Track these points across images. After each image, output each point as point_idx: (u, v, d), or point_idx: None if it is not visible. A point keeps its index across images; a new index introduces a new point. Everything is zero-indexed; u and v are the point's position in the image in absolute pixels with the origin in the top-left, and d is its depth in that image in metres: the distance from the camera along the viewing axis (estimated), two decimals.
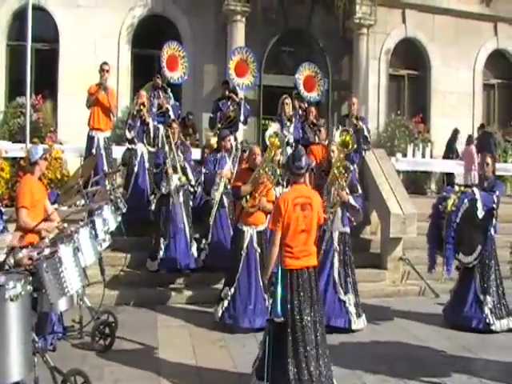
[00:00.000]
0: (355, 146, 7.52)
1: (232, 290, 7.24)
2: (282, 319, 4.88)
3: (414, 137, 16.12)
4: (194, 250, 8.65)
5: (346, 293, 7.37)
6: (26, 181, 6.50)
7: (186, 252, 8.53)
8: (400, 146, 15.65)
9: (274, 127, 8.62)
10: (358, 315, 7.40)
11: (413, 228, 9.62)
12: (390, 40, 16.87)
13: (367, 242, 10.18)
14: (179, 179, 8.55)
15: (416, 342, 7.03)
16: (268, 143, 7.23)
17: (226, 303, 7.24)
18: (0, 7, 13.88)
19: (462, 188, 7.55)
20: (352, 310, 7.35)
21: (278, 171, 7.54)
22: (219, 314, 7.26)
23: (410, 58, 17.39)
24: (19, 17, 13.72)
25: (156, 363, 6.06)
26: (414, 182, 15.40)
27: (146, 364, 5.99)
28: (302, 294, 5.02)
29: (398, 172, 12.93)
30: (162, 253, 8.55)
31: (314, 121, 10.47)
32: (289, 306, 4.98)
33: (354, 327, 7.30)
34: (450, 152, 15.70)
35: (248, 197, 7.24)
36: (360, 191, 8.35)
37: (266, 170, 7.25)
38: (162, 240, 8.58)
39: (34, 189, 6.44)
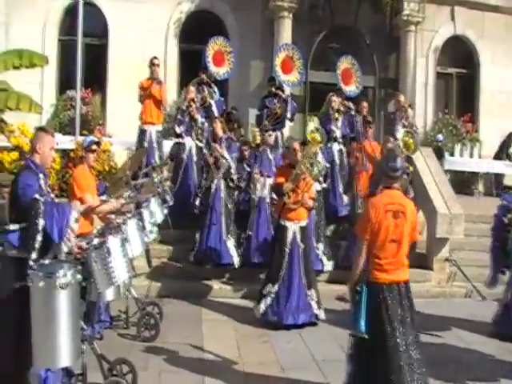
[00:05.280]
0: (418, 149, 7.31)
1: (276, 286, 7.22)
2: (366, 336, 4.46)
3: (462, 136, 15.85)
4: (230, 245, 8.61)
5: None
6: (79, 171, 6.65)
7: (219, 246, 8.52)
8: (447, 145, 15.40)
9: (314, 122, 8.64)
10: None
11: (460, 229, 9.44)
12: (438, 37, 16.56)
13: (413, 242, 10.01)
14: (221, 165, 8.57)
15: (462, 344, 6.90)
16: (309, 138, 7.19)
17: (269, 300, 7.21)
18: (52, 3, 14.16)
19: None
20: None
21: (318, 167, 7.50)
22: (261, 311, 7.23)
23: (459, 56, 17.04)
24: (70, 12, 13.98)
25: (200, 356, 6.11)
26: (461, 183, 15.11)
27: (190, 356, 6.06)
28: (390, 312, 4.52)
29: (445, 171, 12.71)
30: (197, 245, 8.62)
31: (368, 116, 10.36)
32: (375, 325, 4.50)
33: None
34: (501, 153, 15.38)
35: (290, 193, 7.23)
36: (412, 194, 8.21)
37: (307, 165, 7.24)
38: (198, 233, 8.64)
39: (87, 179, 6.58)
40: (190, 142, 9.91)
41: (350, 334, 4.66)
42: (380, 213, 4.58)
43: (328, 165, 9.48)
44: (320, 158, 8.10)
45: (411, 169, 8.88)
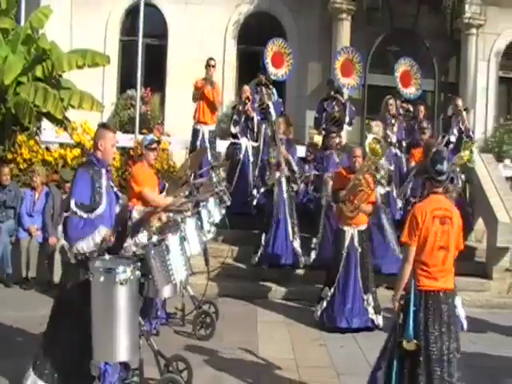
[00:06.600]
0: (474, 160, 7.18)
1: (332, 290, 7.23)
2: (414, 341, 4.31)
3: None
4: (296, 246, 8.63)
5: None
6: (137, 167, 6.80)
7: (285, 248, 8.55)
8: (509, 152, 14.93)
9: (375, 128, 8.46)
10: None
11: None
12: (501, 41, 16.02)
13: (472, 250, 9.79)
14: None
15: None
16: (367, 150, 7.00)
17: (324, 303, 7.25)
18: (114, 4, 14.42)
19: None
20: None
21: (378, 176, 7.40)
22: (318, 314, 7.29)
23: None
24: (131, 13, 14.29)
25: (255, 357, 6.11)
26: None
27: (244, 356, 6.08)
28: (438, 320, 4.39)
29: (506, 179, 12.36)
30: (262, 248, 8.63)
31: (424, 122, 10.16)
32: (421, 333, 4.37)
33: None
34: None
35: (346, 202, 7.17)
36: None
37: (366, 176, 7.13)
38: (263, 235, 8.65)
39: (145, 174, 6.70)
40: (245, 143, 9.99)
41: (398, 341, 4.44)
42: (427, 219, 4.42)
43: (392, 167, 9.33)
44: (383, 161, 7.98)
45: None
